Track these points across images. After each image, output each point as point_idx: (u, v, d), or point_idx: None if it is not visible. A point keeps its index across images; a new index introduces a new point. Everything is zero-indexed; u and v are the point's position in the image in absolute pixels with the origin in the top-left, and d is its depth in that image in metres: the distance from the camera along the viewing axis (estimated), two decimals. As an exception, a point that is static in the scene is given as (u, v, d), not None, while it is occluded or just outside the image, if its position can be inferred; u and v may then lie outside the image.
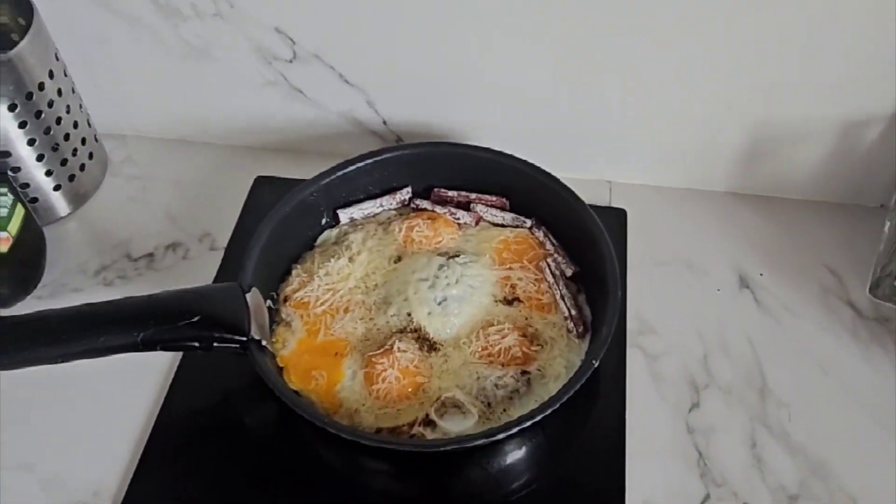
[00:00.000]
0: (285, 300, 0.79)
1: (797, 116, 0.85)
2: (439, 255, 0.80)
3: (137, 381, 0.78)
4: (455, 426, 0.70)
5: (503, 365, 0.73)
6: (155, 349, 0.68)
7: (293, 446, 0.75)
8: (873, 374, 0.77)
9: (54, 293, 0.86)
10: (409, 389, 0.72)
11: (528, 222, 0.84)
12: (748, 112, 0.86)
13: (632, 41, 0.82)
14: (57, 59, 0.86)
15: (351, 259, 0.80)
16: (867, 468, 0.71)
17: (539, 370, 0.73)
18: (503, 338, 0.74)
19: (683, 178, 0.94)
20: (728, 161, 0.91)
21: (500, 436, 0.65)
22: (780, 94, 0.84)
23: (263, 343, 0.71)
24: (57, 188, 0.90)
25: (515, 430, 0.65)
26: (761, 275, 0.86)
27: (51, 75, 0.84)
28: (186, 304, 0.69)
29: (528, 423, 0.65)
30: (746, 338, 0.80)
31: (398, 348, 0.73)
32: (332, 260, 0.80)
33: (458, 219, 0.84)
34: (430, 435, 0.70)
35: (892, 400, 0.75)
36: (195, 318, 0.68)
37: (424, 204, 0.86)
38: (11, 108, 0.80)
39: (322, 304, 0.77)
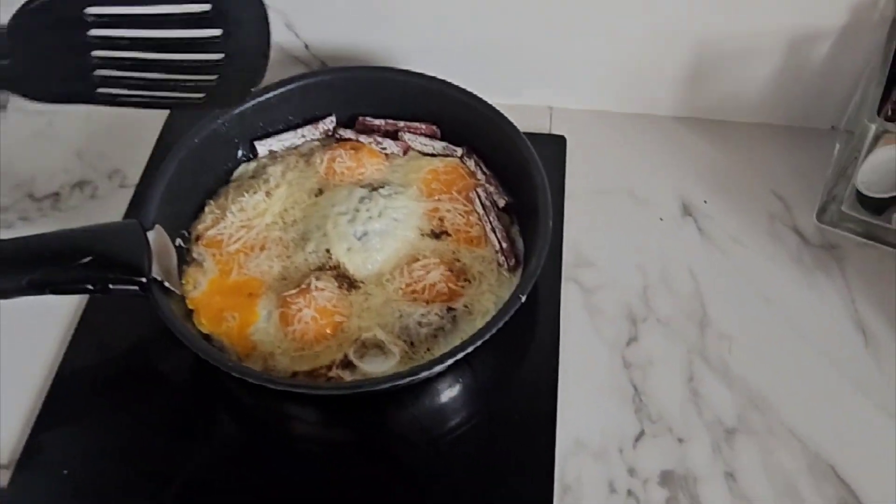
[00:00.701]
0: (197, 239, 0.73)
1: (744, 32, 0.80)
2: (362, 186, 0.75)
3: (37, 328, 0.73)
4: (376, 367, 0.66)
5: (427, 302, 0.68)
6: (44, 293, 0.62)
7: (208, 394, 0.70)
8: (818, 303, 0.74)
9: (-52, 237, 0.79)
10: (328, 330, 0.68)
11: (459, 151, 0.79)
12: (692, 28, 0.81)
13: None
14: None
15: (268, 193, 0.75)
16: (807, 398, 0.68)
17: (466, 307, 0.69)
18: (427, 273, 0.69)
19: (627, 102, 0.89)
20: (673, 83, 0.86)
21: (421, 375, 0.61)
22: (725, 8, 0.78)
23: (167, 284, 0.65)
24: (-52, 123, 0.83)
25: (437, 368, 0.61)
26: (705, 202, 0.81)
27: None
28: (77, 243, 0.64)
29: (450, 362, 0.61)
30: (688, 269, 0.76)
31: (315, 287, 0.68)
32: (248, 195, 0.74)
33: (385, 148, 0.79)
34: (348, 377, 0.65)
35: (834, 328, 0.72)
36: (87, 259, 0.62)
37: (348, 134, 0.80)
38: None
39: (236, 241, 0.72)
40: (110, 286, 0.63)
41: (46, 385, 0.70)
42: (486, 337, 0.62)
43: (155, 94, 0.62)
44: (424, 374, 0.61)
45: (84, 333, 0.73)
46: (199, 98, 0.62)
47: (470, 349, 0.61)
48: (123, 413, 0.70)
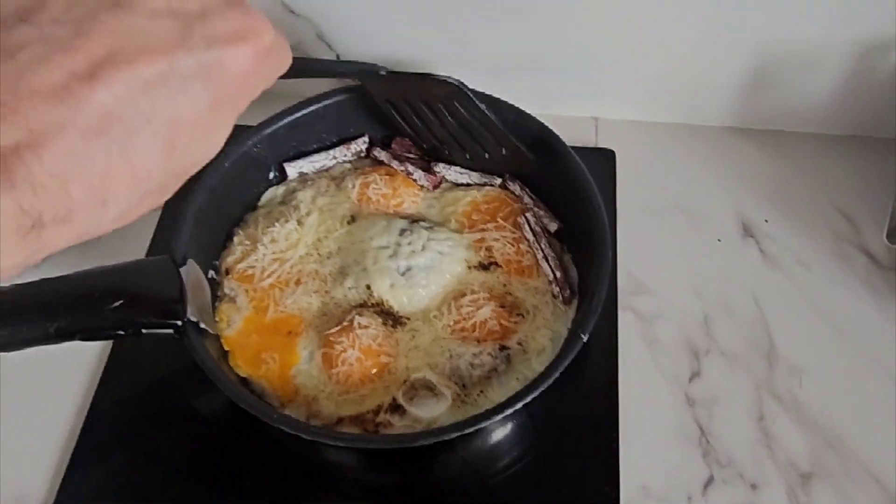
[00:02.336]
0: (227, 272, 0.69)
1: (805, 39, 0.75)
2: (401, 217, 0.70)
3: (65, 368, 0.69)
4: (426, 411, 0.62)
5: (479, 341, 0.64)
6: (73, 339, 0.58)
7: (245, 435, 0.66)
8: (893, 331, 0.69)
9: (-33, 268, 0.75)
10: (374, 371, 0.63)
11: (498, 180, 0.73)
12: (749, 35, 0.76)
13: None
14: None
15: (300, 222, 0.70)
16: (886, 436, 0.64)
17: (520, 344, 0.65)
18: (478, 309, 0.65)
19: (677, 112, 0.84)
20: (727, 92, 0.81)
21: (481, 425, 0.57)
22: (785, 14, 0.73)
23: (203, 325, 0.61)
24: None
25: (497, 418, 0.57)
26: (766, 221, 0.77)
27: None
28: (107, 285, 0.59)
29: (510, 411, 0.57)
30: (751, 294, 0.72)
31: (358, 324, 0.64)
32: (278, 224, 0.70)
33: (415, 179, 0.74)
34: (398, 422, 0.61)
35: (914, 361, 0.68)
36: (118, 302, 0.58)
37: (382, 156, 0.75)
38: None
39: (269, 275, 0.68)
40: (143, 330, 0.59)
41: (79, 424, 0.66)
42: (548, 383, 0.57)
43: None
44: (484, 423, 0.57)
45: (115, 370, 0.69)
46: None
47: (529, 398, 0.57)
48: (156, 455, 0.66)
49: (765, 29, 0.75)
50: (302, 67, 0.48)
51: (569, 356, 0.59)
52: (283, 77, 0.41)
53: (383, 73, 0.69)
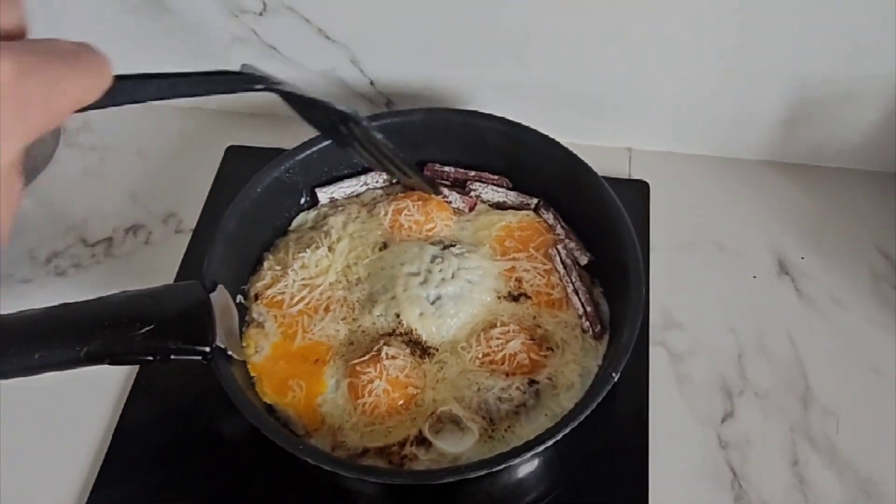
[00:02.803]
0: (256, 297, 0.69)
1: (843, 74, 0.73)
2: (432, 243, 0.69)
3: (92, 389, 0.69)
4: (453, 446, 0.61)
5: (508, 374, 0.63)
6: (102, 363, 0.58)
7: (269, 462, 0.66)
8: (933, 376, 0.68)
9: (-1, 285, 0.76)
10: (400, 402, 0.63)
11: (534, 201, 0.73)
12: (786, 69, 0.74)
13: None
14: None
15: (330, 248, 0.70)
16: (925, 486, 0.62)
17: (549, 379, 0.64)
18: (508, 342, 0.64)
19: (712, 144, 0.83)
20: (763, 125, 0.80)
21: (510, 463, 0.56)
22: (822, 48, 0.72)
23: (230, 353, 0.61)
24: (0, 163, 0.79)
25: (526, 456, 0.56)
26: (802, 258, 0.75)
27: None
28: (137, 310, 0.59)
29: (539, 449, 0.56)
30: (787, 334, 0.70)
31: (386, 354, 0.63)
32: (309, 250, 0.69)
33: (451, 202, 0.73)
34: (423, 455, 0.61)
35: (956, 408, 0.66)
36: (148, 328, 0.58)
37: (415, 181, 0.75)
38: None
39: (298, 302, 0.67)
40: (172, 357, 0.59)
41: (104, 446, 0.66)
42: (578, 422, 0.56)
43: None
44: (513, 462, 0.56)
45: (140, 392, 0.69)
46: None
47: (559, 436, 0.56)
48: (179, 479, 0.66)
49: (802, 63, 0.74)
50: (169, 87, 0.44)
51: (599, 395, 0.58)
52: (152, 99, 0.39)
53: (259, 88, 0.53)
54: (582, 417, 0.57)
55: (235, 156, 0.84)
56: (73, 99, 0.33)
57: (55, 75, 0.32)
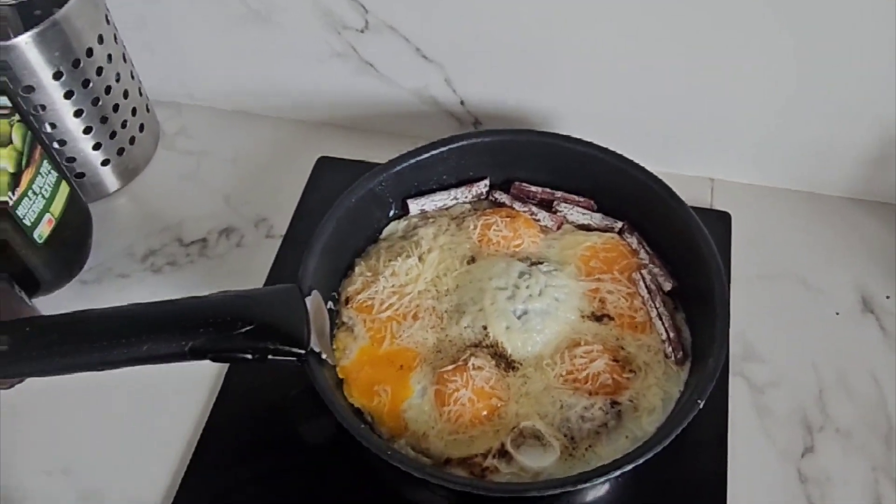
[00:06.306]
0: (347, 301, 0.71)
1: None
2: (520, 260, 0.71)
3: (184, 386, 0.72)
4: (534, 461, 0.62)
5: (590, 393, 0.64)
6: (204, 359, 0.61)
7: (353, 464, 0.67)
8: None
9: (100, 277, 0.80)
10: (484, 413, 0.64)
11: (619, 224, 0.74)
12: (875, 105, 0.74)
13: (745, 17, 0.70)
14: (108, 21, 0.78)
15: (421, 258, 0.72)
16: None
17: (631, 401, 0.65)
18: (592, 361, 0.65)
19: (797, 178, 0.83)
20: (851, 162, 0.80)
21: (591, 483, 0.57)
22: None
23: (323, 356, 0.63)
24: (105, 163, 0.83)
25: (610, 476, 0.57)
26: (888, 297, 0.75)
27: (100, 40, 0.76)
28: (239, 309, 0.61)
29: (622, 471, 0.57)
30: (870, 373, 0.70)
31: (473, 365, 0.65)
32: (400, 259, 0.72)
33: (539, 220, 0.75)
34: (504, 468, 0.62)
35: None
36: (250, 327, 0.60)
37: (503, 198, 0.77)
38: (57, 76, 0.73)
39: (387, 308, 0.69)
40: (269, 356, 0.61)
41: (195, 439, 0.69)
42: (662, 446, 0.57)
43: None
44: (598, 481, 0.57)
45: (228, 394, 0.72)
46: None
47: (641, 461, 0.57)
48: (263, 477, 0.68)
49: (890, 100, 0.74)
50: None
51: (684, 421, 0.59)
52: None
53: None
54: (667, 442, 0.57)
55: (325, 166, 0.87)
56: None
57: None
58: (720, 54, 0.75)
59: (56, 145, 0.78)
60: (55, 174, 0.73)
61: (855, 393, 0.69)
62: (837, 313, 0.74)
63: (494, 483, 0.60)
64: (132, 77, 0.84)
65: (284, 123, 0.91)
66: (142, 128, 0.86)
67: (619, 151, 0.73)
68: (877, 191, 0.81)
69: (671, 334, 0.67)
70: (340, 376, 0.67)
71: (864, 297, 0.75)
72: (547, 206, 0.76)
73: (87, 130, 0.79)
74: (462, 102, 0.85)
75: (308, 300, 0.64)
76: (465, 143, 0.76)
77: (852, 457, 0.66)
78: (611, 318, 0.69)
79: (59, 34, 0.71)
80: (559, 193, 0.77)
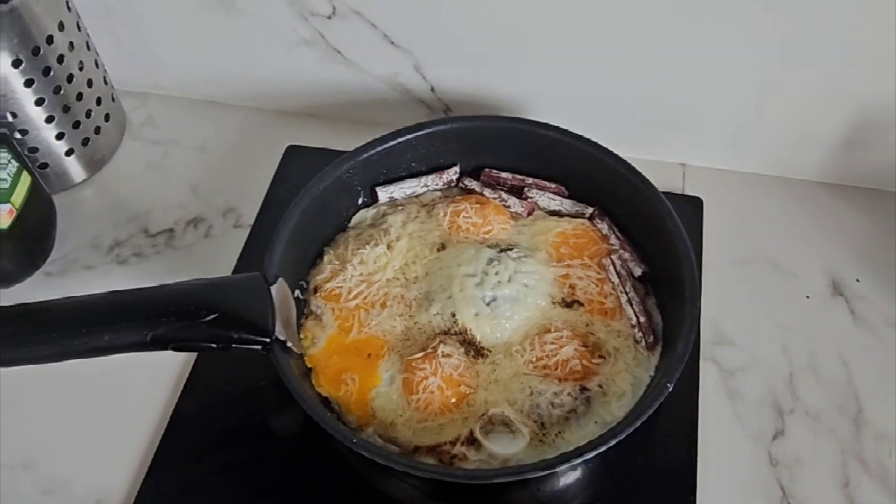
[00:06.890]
0: (315, 290, 0.70)
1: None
2: (489, 247, 0.70)
3: (150, 376, 0.71)
4: (503, 447, 0.61)
5: (560, 379, 0.64)
6: (166, 349, 0.60)
7: (320, 454, 0.67)
8: None
9: (64, 269, 0.78)
10: (453, 401, 0.63)
11: (589, 210, 0.74)
12: (850, 91, 0.74)
13: (719, 1, 0.70)
14: (69, 8, 0.77)
15: (389, 246, 0.71)
16: (979, 515, 0.62)
17: (601, 386, 0.64)
18: (561, 347, 0.64)
19: (769, 163, 0.83)
20: (823, 146, 0.80)
21: (558, 469, 0.56)
22: (887, 71, 0.72)
23: (289, 344, 0.62)
24: (69, 153, 0.81)
25: (578, 461, 0.56)
26: (858, 281, 0.75)
27: (61, 27, 0.75)
28: (202, 298, 0.61)
29: (590, 455, 0.56)
30: (839, 356, 0.70)
31: (442, 352, 0.64)
32: (368, 247, 0.71)
33: (509, 206, 0.74)
34: (473, 456, 0.61)
35: None
36: (212, 316, 0.59)
37: (473, 185, 0.76)
38: (16, 64, 0.72)
39: (356, 297, 0.69)
40: (233, 345, 0.60)
41: (160, 430, 0.68)
42: (631, 430, 0.57)
43: None
44: (565, 466, 0.56)
45: (194, 384, 0.71)
46: None
47: (612, 443, 0.56)
48: (231, 467, 0.67)
49: (864, 86, 0.74)
50: None
51: (653, 405, 0.58)
52: None
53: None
54: (636, 426, 0.57)
55: (294, 155, 0.86)
56: None
57: None
58: (693, 39, 0.74)
59: (18, 135, 0.76)
60: (15, 164, 0.72)
61: (825, 376, 0.69)
62: (808, 297, 0.74)
63: (461, 469, 0.60)
64: (96, 66, 0.82)
65: (252, 112, 0.90)
66: (107, 117, 0.85)
67: (591, 137, 0.72)
68: (849, 175, 0.81)
69: (641, 319, 0.67)
70: (309, 365, 0.66)
71: (835, 281, 0.75)
72: (517, 192, 0.76)
73: (49, 119, 0.77)
74: (432, 89, 0.84)
75: (273, 288, 0.63)
76: (433, 129, 0.75)
77: (822, 439, 0.66)
78: (581, 304, 0.68)
79: (17, 20, 0.70)
80: (530, 180, 0.76)
